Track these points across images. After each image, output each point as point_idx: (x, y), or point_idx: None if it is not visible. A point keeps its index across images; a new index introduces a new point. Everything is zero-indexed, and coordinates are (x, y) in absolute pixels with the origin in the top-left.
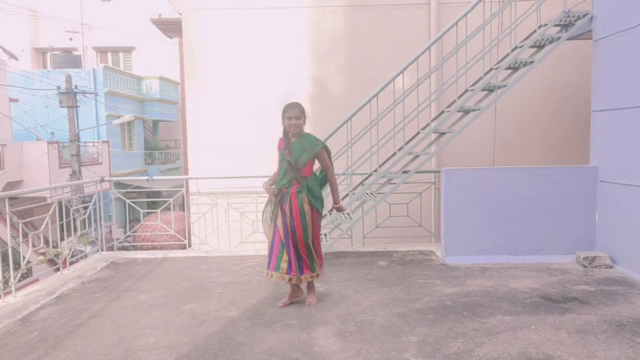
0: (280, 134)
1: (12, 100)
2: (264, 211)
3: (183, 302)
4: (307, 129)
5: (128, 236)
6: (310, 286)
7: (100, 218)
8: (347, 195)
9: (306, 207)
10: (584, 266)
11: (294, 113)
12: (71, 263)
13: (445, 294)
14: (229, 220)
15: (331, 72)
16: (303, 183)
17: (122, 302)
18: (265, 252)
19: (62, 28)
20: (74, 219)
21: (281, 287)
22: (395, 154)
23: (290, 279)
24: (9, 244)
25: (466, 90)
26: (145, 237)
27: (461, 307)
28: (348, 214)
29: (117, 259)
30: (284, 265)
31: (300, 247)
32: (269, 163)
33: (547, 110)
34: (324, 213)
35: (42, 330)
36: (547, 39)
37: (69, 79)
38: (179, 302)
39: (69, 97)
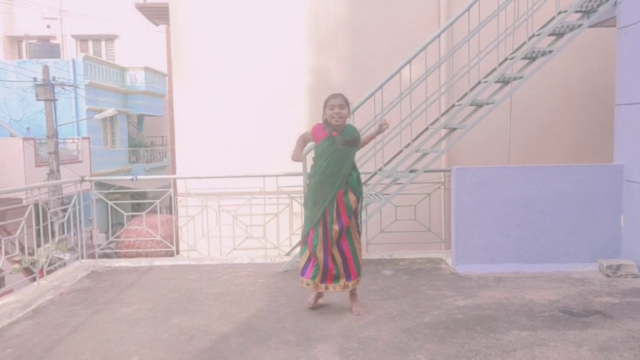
0: (280, 130)
1: None
2: (311, 210)
3: (170, 316)
4: (308, 124)
5: (110, 242)
6: (354, 294)
7: (80, 222)
8: None
9: (352, 198)
10: (608, 275)
11: (337, 101)
12: (48, 272)
13: (457, 306)
14: (220, 224)
15: (331, 63)
16: (348, 181)
17: (104, 315)
18: (260, 261)
19: (39, 14)
20: (52, 223)
21: (278, 299)
22: (401, 151)
23: (326, 288)
24: None
25: (479, 82)
26: (130, 243)
27: (473, 322)
28: (376, 194)
29: (98, 267)
30: (320, 274)
31: (345, 250)
32: (265, 161)
33: (569, 104)
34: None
35: (17, 347)
36: (567, 26)
37: (46, 69)
38: (166, 315)
39: (47, 89)
